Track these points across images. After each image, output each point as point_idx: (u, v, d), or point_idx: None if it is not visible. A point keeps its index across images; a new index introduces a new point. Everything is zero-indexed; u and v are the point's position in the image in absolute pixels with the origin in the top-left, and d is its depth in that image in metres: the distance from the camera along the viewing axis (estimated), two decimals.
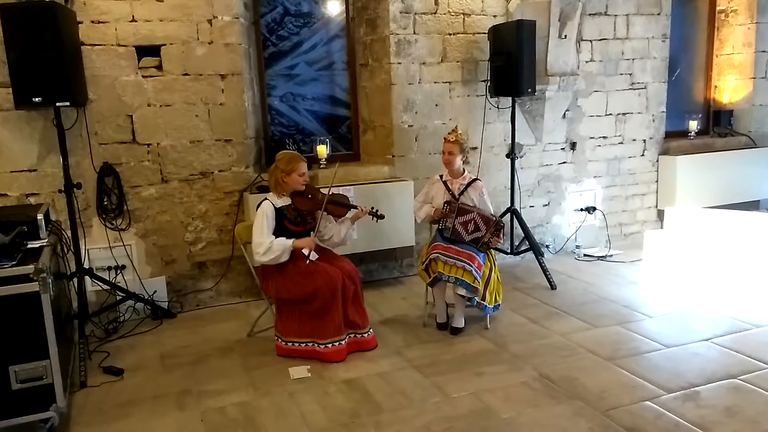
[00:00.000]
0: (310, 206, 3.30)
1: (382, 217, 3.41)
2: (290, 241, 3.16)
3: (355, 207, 3.40)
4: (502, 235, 3.54)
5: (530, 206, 5.14)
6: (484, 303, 3.48)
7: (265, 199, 3.27)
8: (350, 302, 3.23)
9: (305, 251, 3.20)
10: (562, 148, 5.17)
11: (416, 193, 4.02)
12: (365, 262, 4.53)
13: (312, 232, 3.33)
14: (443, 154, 3.63)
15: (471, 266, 3.38)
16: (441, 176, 3.72)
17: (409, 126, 4.55)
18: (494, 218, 3.54)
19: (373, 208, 3.44)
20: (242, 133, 4.07)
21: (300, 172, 3.24)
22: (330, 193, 3.31)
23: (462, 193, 3.63)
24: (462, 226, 3.54)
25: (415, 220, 3.89)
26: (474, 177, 3.71)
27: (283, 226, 3.24)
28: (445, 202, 3.60)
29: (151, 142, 3.90)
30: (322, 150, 4.37)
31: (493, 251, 3.69)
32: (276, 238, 3.17)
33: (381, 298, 4.24)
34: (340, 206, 3.37)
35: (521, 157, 4.98)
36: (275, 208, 3.23)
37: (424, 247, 3.71)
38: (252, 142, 4.18)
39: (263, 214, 3.19)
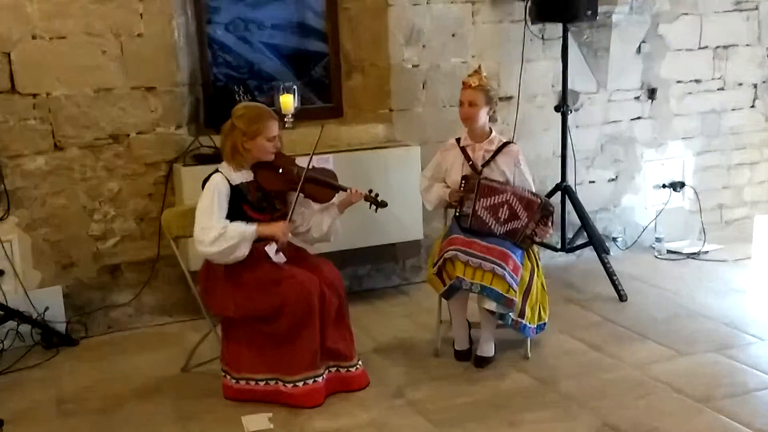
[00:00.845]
0: (280, 185, 3.30)
1: (383, 204, 3.42)
2: (252, 227, 3.17)
3: (345, 188, 3.39)
4: (551, 224, 3.54)
5: (590, 182, 5.14)
6: (523, 321, 3.50)
7: (216, 171, 3.27)
8: (331, 322, 3.24)
9: (270, 248, 3.21)
10: (637, 98, 5.17)
11: (424, 166, 4.01)
12: (352, 265, 4.53)
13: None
14: (462, 106, 3.63)
15: (504, 269, 3.39)
16: (458, 140, 3.71)
17: (413, 66, 4.53)
18: (539, 199, 3.54)
19: (371, 191, 3.43)
20: (170, 77, 4.05)
21: (269, 134, 3.24)
22: (311, 166, 3.31)
23: (488, 163, 3.63)
24: (489, 212, 3.55)
25: (423, 204, 3.90)
26: (506, 140, 3.71)
27: (240, 211, 3.24)
28: (462, 178, 3.61)
29: (38, 92, 3.88)
30: (288, 102, 4.36)
31: (534, 248, 3.69)
32: (231, 222, 3.18)
33: (375, 316, 4.24)
34: (324, 187, 3.37)
35: (577, 110, 4.97)
36: (231, 185, 3.23)
37: (437, 241, 3.71)
38: (185, 91, 4.16)
39: (213, 190, 3.18)
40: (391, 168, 4.30)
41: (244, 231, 3.14)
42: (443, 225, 3.92)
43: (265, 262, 3.22)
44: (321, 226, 3.40)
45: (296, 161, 3.38)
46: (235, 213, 3.21)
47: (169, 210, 3.60)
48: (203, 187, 3.22)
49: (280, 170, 3.29)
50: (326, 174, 3.43)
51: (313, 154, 3.33)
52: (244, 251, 3.15)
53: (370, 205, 3.42)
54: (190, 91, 4.24)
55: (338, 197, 3.41)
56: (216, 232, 3.11)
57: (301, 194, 3.29)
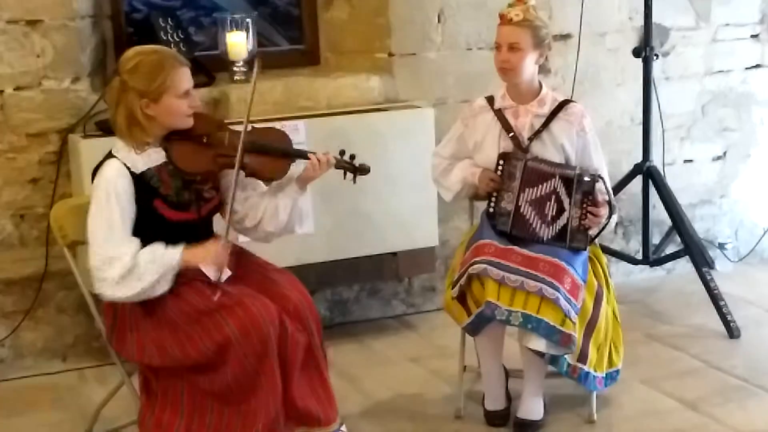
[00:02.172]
0: (207, 163, 3.27)
1: (364, 170, 3.43)
2: (175, 256, 3.16)
3: (304, 154, 3.40)
4: (600, 200, 3.53)
5: (685, 161, 5.14)
6: (585, 368, 3.49)
7: (110, 156, 3.23)
8: (298, 370, 3.24)
9: (209, 271, 3.19)
10: (755, 36, 5.17)
11: (440, 138, 4.01)
12: (334, 284, 4.54)
13: (221, 215, 3.32)
14: (498, 50, 3.61)
15: (557, 289, 3.38)
16: (491, 100, 3.71)
17: None
18: (572, 170, 3.54)
19: (342, 152, 3.43)
20: (64, 5, 4.05)
21: (180, 88, 3.20)
22: (248, 128, 3.29)
23: (538, 133, 3.63)
24: (534, 208, 3.56)
25: (438, 193, 3.89)
26: (564, 98, 3.71)
27: (151, 211, 3.23)
28: (500, 157, 3.60)
29: None
30: (238, 43, 4.36)
31: (602, 258, 3.68)
32: (143, 246, 3.16)
33: (367, 361, 4.24)
34: (273, 156, 3.36)
35: (666, 55, 4.95)
36: (133, 175, 3.22)
37: (459, 250, 3.71)
38: (86, 27, 4.16)
39: (108, 191, 3.14)
40: (391, 140, 4.30)
41: (165, 263, 3.12)
42: (468, 225, 3.91)
43: (194, 284, 3.20)
44: (277, 214, 3.37)
45: (228, 125, 3.35)
46: (144, 216, 3.19)
47: (63, 203, 3.57)
48: (93, 180, 3.20)
49: (205, 140, 3.27)
50: (272, 137, 3.40)
51: (249, 114, 3.24)
52: (164, 288, 3.15)
53: (345, 174, 3.42)
54: (94, 26, 4.23)
55: (297, 167, 3.39)
56: (123, 268, 3.08)
57: (242, 171, 3.27)
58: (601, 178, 3.55)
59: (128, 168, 3.17)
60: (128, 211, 3.15)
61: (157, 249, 3.14)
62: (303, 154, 3.38)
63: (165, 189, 3.22)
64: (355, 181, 3.45)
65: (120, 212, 3.12)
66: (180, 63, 3.22)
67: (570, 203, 3.53)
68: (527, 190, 3.55)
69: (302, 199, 3.43)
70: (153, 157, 3.22)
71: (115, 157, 3.19)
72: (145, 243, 3.14)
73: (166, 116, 3.20)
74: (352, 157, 3.42)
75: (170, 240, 3.18)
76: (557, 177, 3.54)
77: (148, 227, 3.18)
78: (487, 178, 3.59)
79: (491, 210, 3.60)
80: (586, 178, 3.52)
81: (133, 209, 3.17)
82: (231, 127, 3.34)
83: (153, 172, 3.21)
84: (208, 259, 3.17)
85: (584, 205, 3.52)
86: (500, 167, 3.58)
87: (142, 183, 3.18)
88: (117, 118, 3.22)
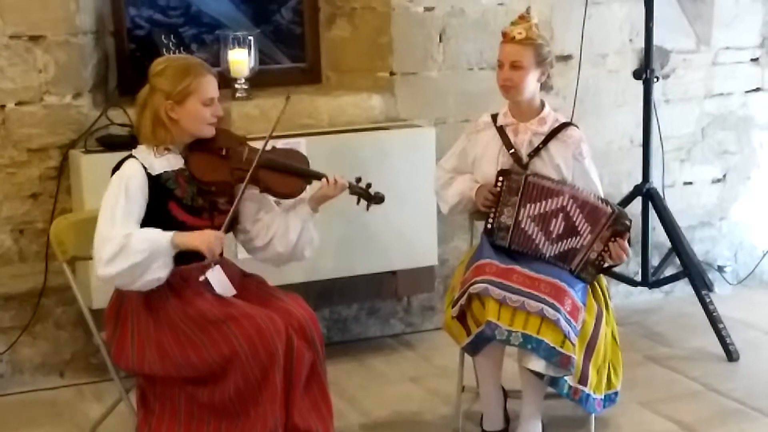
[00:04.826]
0: (223, 174, 3.30)
1: (379, 199, 3.44)
2: (167, 235, 3.16)
3: (319, 176, 3.41)
4: (627, 242, 3.55)
5: (685, 183, 5.14)
6: (585, 390, 3.48)
7: (130, 156, 3.27)
8: (302, 386, 3.24)
9: (211, 274, 3.21)
10: (755, 59, 5.17)
11: (441, 155, 4.01)
12: (332, 303, 4.53)
13: (233, 234, 3.35)
14: (501, 68, 3.63)
15: (558, 310, 3.38)
16: (494, 117, 3.72)
17: (425, 9, 4.55)
18: (609, 207, 3.54)
19: (359, 180, 3.45)
20: (67, 21, 4.06)
21: (205, 95, 3.25)
22: (269, 147, 3.32)
23: (537, 151, 3.64)
24: (537, 224, 3.55)
25: (438, 208, 3.88)
26: (564, 120, 3.72)
27: (166, 212, 3.25)
28: (499, 173, 3.61)
29: None
30: (240, 61, 4.37)
31: (602, 280, 3.68)
32: (142, 228, 3.17)
33: (365, 380, 4.23)
34: (288, 175, 3.37)
35: (667, 77, 4.97)
36: (149, 175, 3.24)
37: (459, 268, 3.71)
38: (88, 43, 4.17)
39: (121, 184, 3.18)
40: (391, 159, 4.30)
41: (156, 240, 3.12)
42: (469, 243, 3.92)
43: (201, 294, 3.21)
44: (287, 234, 3.39)
45: (248, 143, 3.38)
46: (158, 216, 3.21)
47: (63, 219, 3.58)
48: (113, 175, 3.24)
49: (224, 152, 3.30)
50: (291, 156, 3.43)
51: (273, 133, 3.32)
52: (159, 273, 3.14)
53: (359, 201, 3.43)
54: (97, 42, 4.24)
55: (311, 189, 3.41)
56: (115, 245, 3.09)
57: (253, 186, 3.29)
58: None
59: (145, 169, 3.21)
60: (136, 204, 3.19)
61: (151, 230, 3.16)
62: (317, 175, 3.40)
63: (180, 192, 3.26)
64: (368, 209, 3.46)
65: (126, 203, 3.16)
66: (207, 71, 3.28)
67: (594, 235, 3.52)
68: (528, 205, 3.55)
69: (312, 222, 3.44)
70: (171, 162, 3.28)
71: (135, 158, 3.24)
72: None
73: (189, 121, 3.24)
74: (369, 185, 3.44)
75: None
76: (567, 196, 3.54)
77: (163, 228, 3.19)
78: (486, 193, 3.60)
79: (489, 226, 3.61)
80: (626, 221, 3.51)
81: (140, 208, 3.20)
82: (251, 143, 3.37)
83: (170, 175, 3.26)
84: (202, 243, 3.17)
85: (608, 245, 3.50)
86: (500, 183, 3.58)
87: (157, 184, 3.23)
88: (143, 122, 3.28)
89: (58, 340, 4.21)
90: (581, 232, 3.53)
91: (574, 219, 3.54)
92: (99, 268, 3.14)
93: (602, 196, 3.61)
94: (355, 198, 3.43)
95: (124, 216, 3.15)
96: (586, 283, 3.54)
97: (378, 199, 3.43)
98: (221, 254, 3.37)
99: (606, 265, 3.56)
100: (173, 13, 4.57)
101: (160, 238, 3.14)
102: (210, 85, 3.26)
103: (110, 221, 3.14)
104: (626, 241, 3.53)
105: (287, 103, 3.38)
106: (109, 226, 3.14)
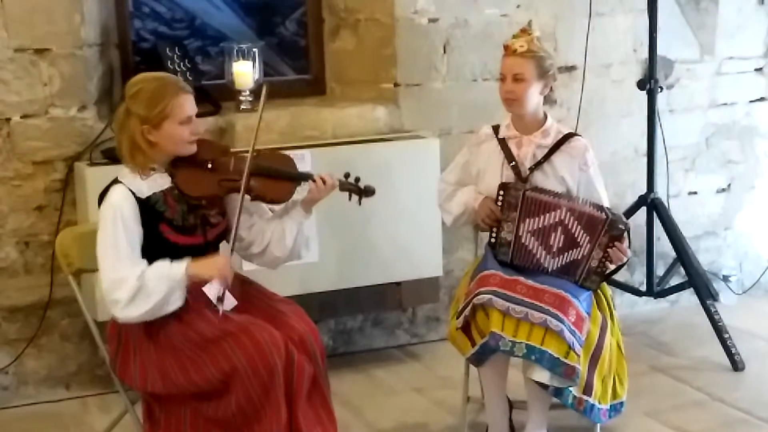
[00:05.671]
0: (211, 187, 3.29)
1: (368, 192, 3.44)
2: (180, 268, 3.17)
3: (308, 177, 3.41)
4: (626, 246, 3.55)
5: (689, 193, 5.14)
6: (590, 400, 3.48)
7: (115, 182, 3.25)
8: (303, 400, 3.23)
9: (211, 289, 3.19)
10: (759, 69, 5.17)
11: (446, 166, 4.02)
12: (336, 314, 4.53)
13: (226, 242, 3.33)
14: (503, 81, 3.63)
15: (561, 321, 3.38)
16: (496, 129, 3.73)
17: (429, 21, 4.56)
18: (603, 213, 3.54)
19: (347, 175, 3.45)
20: (72, 34, 4.07)
21: (181, 115, 3.21)
22: (254, 153, 3.30)
23: (540, 164, 3.64)
24: (537, 239, 3.56)
25: (443, 223, 3.89)
26: (568, 130, 3.72)
27: (157, 235, 3.24)
28: (500, 187, 3.61)
29: None
30: (244, 73, 4.38)
31: (606, 290, 3.68)
32: (149, 264, 3.17)
33: (370, 391, 4.23)
34: (278, 179, 3.37)
35: (671, 87, 4.97)
36: (138, 199, 3.23)
37: (463, 280, 3.71)
38: (93, 55, 4.18)
39: (114, 217, 3.16)
40: (396, 170, 4.31)
41: (171, 276, 3.13)
42: (473, 256, 3.92)
43: (201, 313, 3.21)
44: (284, 238, 3.39)
45: (234, 151, 3.37)
46: (151, 240, 3.20)
47: (69, 231, 3.59)
48: (100, 205, 3.21)
49: (209, 165, 3.29)
50: (277, 160, 3.42)
51: (257, 134, 3.28)
52: (177, 304, 3.15)
53: (350, 196, 3.43)
54: (102, 55, 4.25)
55: (301, 190, 3.40)
56: (131, 288, 3.09)
57: (247, 195, 3.29)
58: (629, 228, 3.55)
59: (133, 193, 3.19)
60: (135, 233, 3.17)
61: (163, 265, 3.15)
62: (307, 177, 3.40)
63: (170, 213, 3.23)
64: (360, 203, 3.46)
65: (126, 236, 3.14)
66: (182, 90, 3.23)
67: (593, 243, 3.52)
68: (527, 220, 3.55)
69: (307, 224, 3.44)
70: (158, 182, 3.24)
71: (120, 182, 3.21)
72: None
73: (168, 142, 3.22)
74: (357, 179, 3.44)
75: (177, 259, 3.20)
76: (564, 210, 3.54)
77: (156, 252, 3.19)
78: (487, 209, 3.60)
79: (492, 240, 3.61)
80: (620, 226, 3.50)
81: (140, 231, 3.18)
82: (236, 152, 3.36)
83: (158, 196, 3.23)
84: (215, 271, 3.16)
85: (608, 249, 3.51)
86: (500, 198, 3.58)
87: (147, 207, 3.20)
88: (121, 145, 3.24)
89: (64, 353, 4.22)
90: (581, 243, 3.53)
91: (573, 231, 3.53)
92: (117, 310, 3.13)
93: (605, 204, 3.61)
94: (346, 195, 3.43)
95: (128, 252, 3.14)
96: (591, 291, 3.54)
97: (368, 192, 3.43)
98: None
99: (607, 271, 3.56)
100: (178, 25, 4.58)
101: (176, 273, 3.14)
102: (186, 104, 3.22)
103: (115, 260, 3.13)
104: (625, 243, 3.53)
105: (265, 90, 3.32)
106: (115, 266, 3.13)
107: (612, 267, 3.56)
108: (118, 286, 3.10)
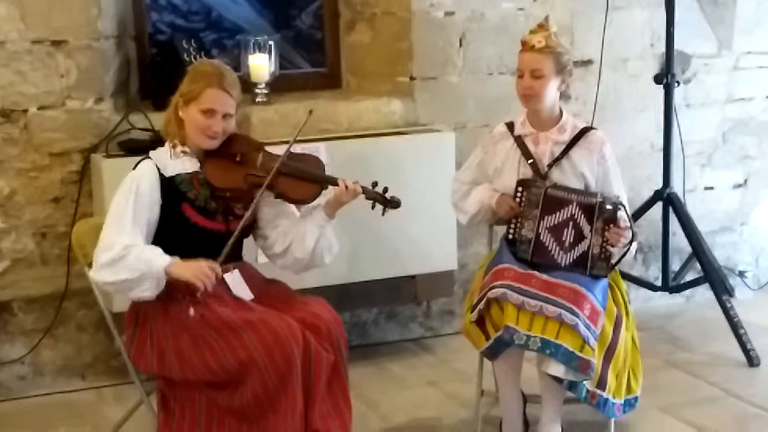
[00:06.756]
0: (236, 180, 3.32)
1: (394, 204, 3.44)
2: (163, 261, 3.17)
3: (333, 180, 3.42)
4: (626, 225, 3.52)
5: (706, 188, 5.13)
6: (604, 395, 3.48)
7: (146, 157, 3.31)
8: (321, 390, 3.24)
9: (231, 278, 3.25)
10: None
11: (461, 161, 4.02)
12: (351, 307, 4.55)
13: (253, 238, 3.37)
14: (520, 77, 3.63)
15: (576, 315, 3.38)
16: (511, 126, 3.72)
17: (446, 14, 4.57)
18: (594, 198, 3.54)
19: (375, 184, 3.45)
20: (89, 26, 4.09)
21: (203, 105, 3.27)
22: (288, 153, 3.33)
23: (558, 160, 3.64)
24: (552, 236, 3.56)
25: (458, 218, 3.90)
26: (584, 125, 3.72)
27: (180, 214, 3.28)
28: (518, 184, 3.62)
29: None
30: (260, 66, 4.39)
31: (622, 284, 3.68)
32: (144, 245, 3.20)
33: (384, 384, 4.24)
34: (303, 180, 3.38)
35: (688, 82, 4.96)
36: (162, 176, 3.27)
37: (478, 273, 3.72)
38: (110, 47, 4.19)
39: (131, 188, 3.23)
40: (411, 164, 4.31)
41: (151, 263, 3.15)
42: (487, 250, 3.92)
43: (221, 298, 3.22)
44: (304, 240, 3.40)
45: (266, 149, 3.40)
46: (172, 218, 3.25)
47: (84, 222, 3.61)
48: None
49: (238, 158, 3.32)
50: (307, 161, 3.44)
51: (295, 140, 3.34)
52: (145, 294, 3.17)
53: (374, 205, 3.43)
54: (118, 47, 4.27)
55: (326, 194, 3.42)
56: (114, 254, 3.13)
57: (268, 193, 3.31)
58: (623, 206, 3.55)
59: (158, 168, 3.26)
60: (145, 208, 3.23)
61: (153, 251, 3.19)
62: (331, 181, 3.40)
63: (193, 194, 3.29)
64: (384, 214, 3.45)
65: (134, 208, 3.21)
66: (218, 85, 3.28)
67: (591, 230, 3.53)
68: (546, 217, 3.55)
69: (330, 228, 3.45)
70: (187, 165, 3.32)
71: (150, 159, 3.30)
72: (174, 251, 3.19)
73: (189, 125, 3.31)
74: (385, 190, 3.43)
75: (199, 250, 3.22)
76: (575, 204, 3.54)
77: (179, 233, 3.25)
78: (507, 205, 3.60)
79: (511, 236, 3.61)
80: (608, 206, 3.51)
81: (153, 210, 3.24)
82: (267, 150, 3.38)
83: (183, 177, 3.29)
84: (191, 275, 3.16)
85: (605, 233, 3.52)
86: (519, 194, 3.58)
87: (171, 186, 3.26)
88: (165, 121, 3.38)
89: (80, 343, 4.24)
90: (585, 235, 3.54)
91: (580, 224, 3.54)
92: (94, 269, 3.22)
93: (622, 198, 3.59)
94: (371, 205, 3.43)
95: (132, 222, 3.19)
96: (606, 282, 3.54)
97: (394, 203, 3.43)
98: (241, 258, 3.40)
99: (611, 255, 3.53)
100: (194, 18, 4.60)
101: (158, 263, 3.16)
102: (213, 98, 3.27)
103: (118, 226, 3.19)
104: (623, 223, 3.51)
105: (309, 116, 3.40)
106: (115, 230, 3.19)
107: (614, 250, 3.54)
108: (107, 248, 3.16)
